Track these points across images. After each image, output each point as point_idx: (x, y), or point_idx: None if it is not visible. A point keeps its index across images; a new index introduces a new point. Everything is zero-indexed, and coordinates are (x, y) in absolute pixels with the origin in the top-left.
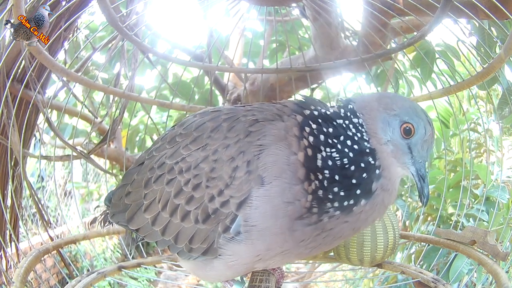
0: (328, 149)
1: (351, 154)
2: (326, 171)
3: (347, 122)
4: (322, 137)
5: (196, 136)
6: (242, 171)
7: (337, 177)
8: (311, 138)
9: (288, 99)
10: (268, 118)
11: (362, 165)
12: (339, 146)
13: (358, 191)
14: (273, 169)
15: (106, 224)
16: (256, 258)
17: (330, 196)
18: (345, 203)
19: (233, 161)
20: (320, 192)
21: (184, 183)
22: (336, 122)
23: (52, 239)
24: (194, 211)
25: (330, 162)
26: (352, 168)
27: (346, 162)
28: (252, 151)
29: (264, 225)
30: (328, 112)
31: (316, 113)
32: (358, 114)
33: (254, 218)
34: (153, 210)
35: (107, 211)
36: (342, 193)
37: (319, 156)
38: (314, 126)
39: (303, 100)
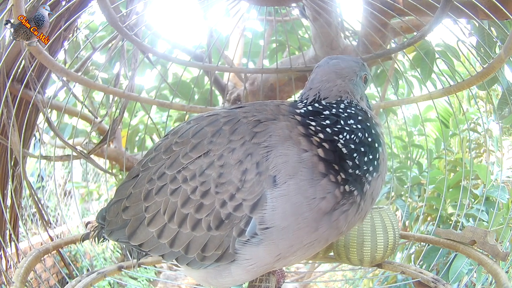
0: (341, 136)
1: (359, 126)
2: (355, 154)
3: (335, 107)
4: (328, 130)
5: (195, 143)
6: (252, 173)
7: (363, 149)
8: (320, 135)
9: (288, 99)
10: (269, 118)
11: (368, 124)
12: (346, 128)
13: (376, 144)
14: (286, 169)
15: (101, 241)
16: (276, 257)
17: (365, 167)
18: (375, 162)
19: (241, 164)
20: (357, 171)
21: (191, 191)
22: (324, 114)
23: (52, 239)
24: (205, 219)
25: (352, 145)
26: (366, 134)
27: (361, 135)
28: (260, 153)
29: (285, 223)
30: (310, 108)
31: (303, 111)
32: (338, 103)
33: (273, 219)
34: (158, 223)
35: (101, 226)
36: (371, 156)
37: (339, 145)
38: (314, 123)
39: (292, 102)
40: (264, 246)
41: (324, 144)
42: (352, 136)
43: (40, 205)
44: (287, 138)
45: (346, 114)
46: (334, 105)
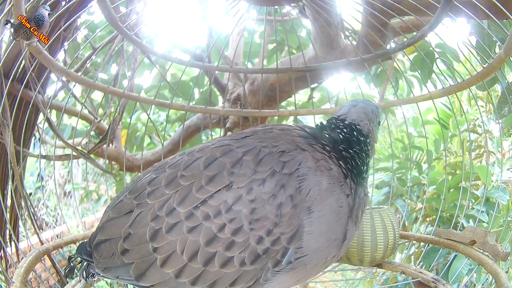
0: (352, 162)
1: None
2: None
3: (362, 138)
4: (344, 151)
5: (211, 175)
6: (288, 206)
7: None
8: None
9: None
10: (291, 148)
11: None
12: (359, 155)
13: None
14: (320, 196)
15: (90, 277)
16: (300, 279)
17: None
18: (364, 174)
19: (275, 198)
20: (354, 180)
21: (218, 229)
22: (357, 140)
23: (42, 243)
24: (238, 255)
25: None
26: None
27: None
28: (293, 184)
29: (318, 244)
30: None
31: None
32: (367, 135)
33: (309, 244)
34: (175, 263)
35: (88, 261)
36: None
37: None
38: (332, 147)
39: (307, 132)
40: (293, 272)
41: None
42: (364, 164)
43: (32, 210)
44: (316, 167)
45: (365, 147)
46: (365, 137)
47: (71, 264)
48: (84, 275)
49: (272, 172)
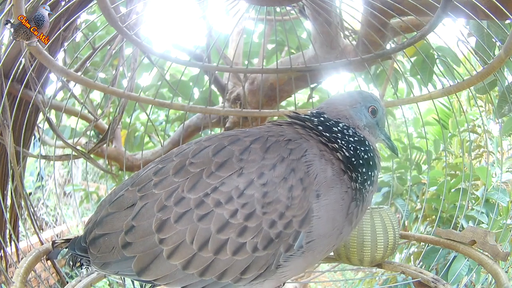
0: (350, 152)
1: (358, 145)
2: (358, 163)
3: (339, 127)
4: (345, 148)
5: (220, 162)
6: (298, 189)
7: (361, 161)
8: (335, 145)
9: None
10: (296, 136)
11: (367, 148)
12: (352, 146)
13: (372, 164)
14: (326, 182)
15: (78, 267)
16: (308, 265)
17: (365, 177)
18: (372, 178)
19: (286, 181)
20: (360, 178)
21: (230, 215)
22: (336, 133)
23: (42, 243)
24: (251, 241)
25: (353, 159)
26: (364, 154)
27: (362, 153)
28: (302, 168)
29: (325, 230)
30: (326, 131)
31: (317, 125)
32: (337, 121)
33: (318, 229)
34: (184, 254)
35: (81, 256)
36: (369, 172)
37: (347, 154)
38: (328, 136)
39: (302, 122)
40: (304, 256)
41: (340, 152)
42: (356, 151)
43: (31, 210)
44: (320, 155)
45: (350, 133)
46: (334, 123)
47: (54, 249)
48: (71, 264)
49: (280, 158)
